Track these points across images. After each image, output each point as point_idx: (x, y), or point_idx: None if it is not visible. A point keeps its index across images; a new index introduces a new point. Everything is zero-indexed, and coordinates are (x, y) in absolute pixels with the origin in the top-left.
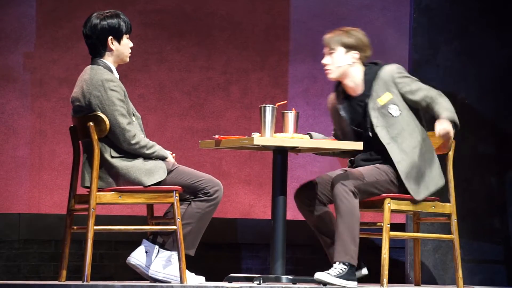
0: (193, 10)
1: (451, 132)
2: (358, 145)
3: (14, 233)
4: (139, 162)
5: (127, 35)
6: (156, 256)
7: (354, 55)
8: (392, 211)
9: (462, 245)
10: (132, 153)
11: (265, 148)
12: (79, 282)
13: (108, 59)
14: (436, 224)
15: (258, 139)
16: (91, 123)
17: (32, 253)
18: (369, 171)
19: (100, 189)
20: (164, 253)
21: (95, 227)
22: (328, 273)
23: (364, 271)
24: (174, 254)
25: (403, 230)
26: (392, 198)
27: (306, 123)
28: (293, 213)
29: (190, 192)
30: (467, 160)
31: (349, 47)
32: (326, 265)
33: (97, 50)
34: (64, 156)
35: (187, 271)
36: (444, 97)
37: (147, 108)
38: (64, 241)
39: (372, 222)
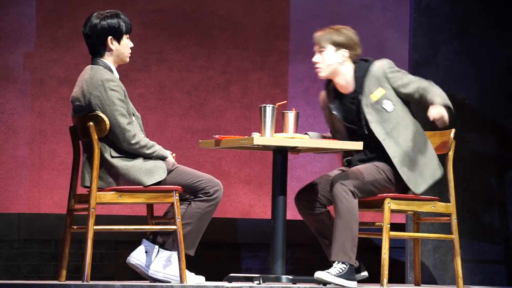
0: (193, 10)
1: (445, 116)
2: (358, 145)
3: (14, 233)
4: (139, 162)
5: (127, 35)
6: (156, 256)
7: (344, 53)
8: (392, 211)
9: (462, 245)
10: (132, 153)
11: (265, 148)
12: (79, 282)
13: (108, 59)
14: (436, 224)
15: (258, 139)
16: (91, 123)
17: (32, 253)
18: (368, 170)
19: (100, 189)
20: (164, 253)
21: (95, 227)
22: (328, 272)
23: (364, 273)
24: (174, 254)
25: (403, 230)
26: (392, 198)
27: (306, 123)
28: (293, 213)
29: (190, 192)
30: (467, 160)
31: (339, 46)
32: (326, 265)
33: (96, 50)
34: (64, 156)
35: (187, 271)
36: (435, 86)
37: (147, 108)
38: (64, 241)
39: (372, 222)
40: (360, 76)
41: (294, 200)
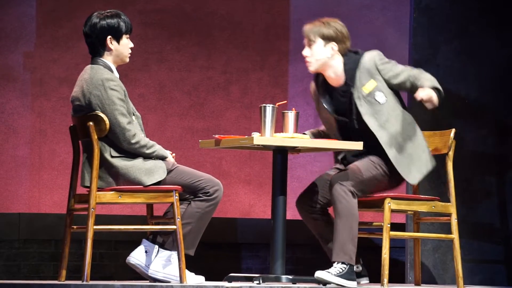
0: (193, 10)
1: (434, 96)
2: (359, 145)
3: (14, 233)
4: (139, 161)
5: (127, 35)
6: (155, 255)
7: (333, 47)
8: (392, 210)
9: (462, 245)
10: (132, 152)
11: (265, 148)
12: (79, 282)
13: (108, 59)
14: (436, 224)
15: (258, 138)
16: (91, 123)
17: (32, 253)
18: (365, 166)
19: (100, 189)
20: (164, 253)
21: (95, 227)
22: (329, 272)
23: (365, 280)
24: (174, 254)
25: (403, 230)
26: (392, 198)
27: (306, 123)
28: (293, 213)
29: (190, 192)
30: (467, 160)
31: (328, 39)
32: (326, 265)
33: (96, 49)
34: (64, 155)
35: (186, 271)
36: (425, 72)
37: (147, 108)
38: (64, 240)
39: (371, 222)
40: (351, 69)
41: (296, 204)
